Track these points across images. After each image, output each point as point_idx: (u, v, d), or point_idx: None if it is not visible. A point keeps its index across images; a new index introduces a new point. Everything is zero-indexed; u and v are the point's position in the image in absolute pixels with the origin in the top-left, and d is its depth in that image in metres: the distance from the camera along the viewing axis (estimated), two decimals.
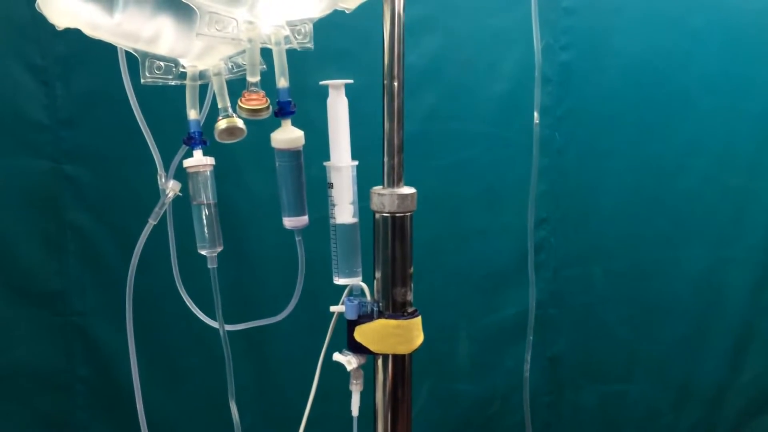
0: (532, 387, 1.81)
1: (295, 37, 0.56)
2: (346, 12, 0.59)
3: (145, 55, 0.53)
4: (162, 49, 0.52)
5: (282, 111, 0.57)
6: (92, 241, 1.58)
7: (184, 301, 0.71)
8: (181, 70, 0.56)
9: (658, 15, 1.75)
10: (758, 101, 1.81)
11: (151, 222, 0.64)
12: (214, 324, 0.65)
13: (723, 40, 1.77)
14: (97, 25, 0.50)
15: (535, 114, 0.80)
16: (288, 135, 0.58)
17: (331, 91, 0.59)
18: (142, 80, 0.54)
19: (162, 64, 0.54)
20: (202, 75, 0.56)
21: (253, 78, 0.55)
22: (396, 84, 0.57)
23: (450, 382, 1.80)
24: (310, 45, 0.57)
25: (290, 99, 0.57)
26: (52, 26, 1.35)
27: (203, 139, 0.58)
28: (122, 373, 1.59)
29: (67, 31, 1.39)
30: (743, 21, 1.76)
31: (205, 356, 1.53)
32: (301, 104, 0.59)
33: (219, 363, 0.70)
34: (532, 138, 1.71)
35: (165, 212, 0.68)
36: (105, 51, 1.35)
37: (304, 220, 0.61)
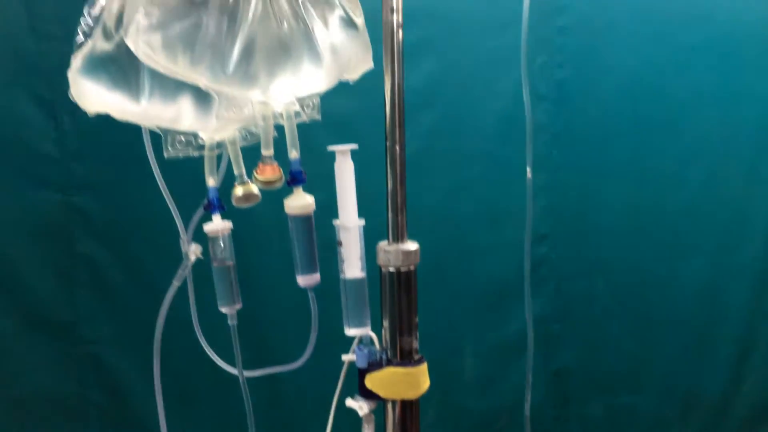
0: (539, 401, 1.86)
1: (304, 110, 0.61)
2: (350, 83, 0.64)
3: (167, 131, 0.58)
4: (183, 126, 0.58)
5: (294, 180, 0.63)
6: (103, 270, 1.64)
7: (201, 346, 0.76)
8: (200, 142, 0.61)
9: (650, 31, 1.80)
10: (752, 112, 1.85)
11: (176, 284, 0.68)
12: (234, 371, 0.69)
13: (715, 54, 1.82)
14: (125, 111, 0.55)
15: (528, 170, 0.83)
16: (300, 202, 0.63)
17: (338, 156, 0.64)
18: (165, 154, 0.59)
19: (183, 138, 0.59)
20: (219, 144, 0.61)
21: (267, 151, 0.60)
22: (398, 148, 0.62)
23: (456, 398, 1.84)
24: (318, 116, 0.62)
25: (301, 169, 0.62)
26: (59, 60, 1.41)
27: (221, 204, 0.63)
28: (135, 398, 1.64)
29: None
30: (734, 34, 1.81)
31: (223, 401, 1.58)
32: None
33: (235, 406, 0.74)
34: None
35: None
36: None
37: (316, 277, 0.66)
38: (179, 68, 0.52)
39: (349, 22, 0.60)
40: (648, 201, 1.87)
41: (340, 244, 0.65)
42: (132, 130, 1.42)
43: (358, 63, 0.62)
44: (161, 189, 0.60)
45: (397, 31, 0.61)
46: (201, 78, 0.53)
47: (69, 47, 1.50)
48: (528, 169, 0.84)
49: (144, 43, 0.51)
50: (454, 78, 1.75)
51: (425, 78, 1.72)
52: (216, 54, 0.52)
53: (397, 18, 0.60)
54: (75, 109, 1.52)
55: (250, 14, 0.51)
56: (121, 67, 0.54)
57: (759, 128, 1.86)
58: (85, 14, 0.56)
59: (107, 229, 1.62)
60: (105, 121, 1.55)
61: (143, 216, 1.52)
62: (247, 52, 0.52)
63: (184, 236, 0.62)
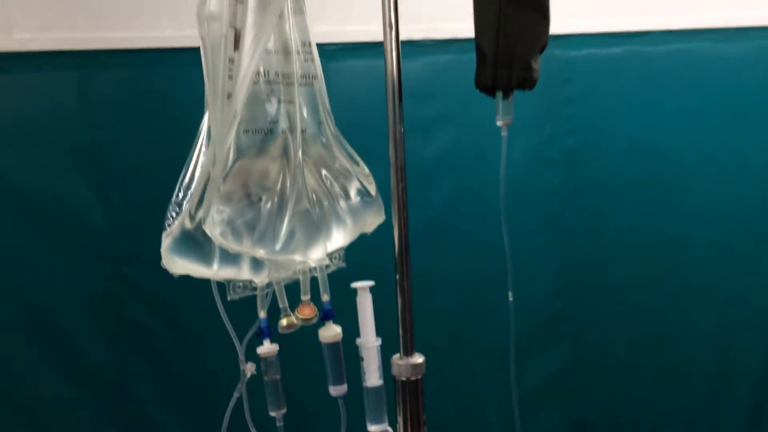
0: None
1: (332, 262, 0.83)
2: (367, 234, 0.86)
3: (229, 281, 0.80)
4: (242, 278, 0.80)
5: (326, 317, 0.85)
6: (149, 335, 1.87)
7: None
8: (253, 284, 0.83)
9: (654, 97, 1.99)
10: (756, 170, 2.03)
11: (236, 395, 0.90)
12: None
13: (718, 116, 2.00)
14: (201, 273, 0.77)
15: (509, 293, 1.03)
16: (330, 332, 0.85)
17: (359, 292, 0.86)
18: (228, 297, 0.82)
19: (241, 283, 0.81)
20: (268, 285, 0.83)
21: (305, 296, 0.82)
22: (405, 284, 0.83)
23: None
24: (343, 264, 0.84)
25: (332, 308, 0.84)
26: (111, 147, 1.65)
27: (270, 331, 0.84)
28: None
29: (123, 150, 1.70)
30: (735, 96, 2.00)
31: None
32: None
33: None
34: (542, 219, 1.97)
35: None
36: (154, 168, 1.65)
37: (344, 388, 0.87)
38: (243, 248, 0.75)
39: (365, 192, 0.83)
40: (659, 257, 2.05)
41: (362, 359, 0.86)
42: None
43: (373, 221, 0.84)
44: (223, 319, 0.81)
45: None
46: (258, 253, 0.75)
47: (118, 133, 1.75)
48: (509, 293, 1.00)
49: (218, 233, 0.73)
50: (468, 148, 1.95)
51: (443, 149, 1.94)
52: (268, 236, 0.74)
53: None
54: (124, 188, 1.78)
55: (291, 203, 0.73)
56: (199, 244, 0.77)
57: (763, 186, 2.02)
58: (172, 202, 0.79)
59: (153, 296, 1.85)
60: (151, 198, 1.79)
61: (185, 283, 1.75)
62: (290, 233, 0.75)
63: (242, 357, 0.84)
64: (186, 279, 1.66)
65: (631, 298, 2.07)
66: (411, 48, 1.86)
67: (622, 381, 2.10)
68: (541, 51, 0.82)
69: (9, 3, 1.76)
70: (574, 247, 2.03)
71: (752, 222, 2.06)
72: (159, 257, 1.84)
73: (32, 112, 1.77)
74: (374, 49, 1.65)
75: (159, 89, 1.82)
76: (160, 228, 1.83)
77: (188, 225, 0.76)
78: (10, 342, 1.78)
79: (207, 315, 1.77)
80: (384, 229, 0.88)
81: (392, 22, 0.83)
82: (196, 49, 1.77)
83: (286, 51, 0.78)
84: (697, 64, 1.99)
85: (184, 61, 1.81)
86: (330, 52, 1.82)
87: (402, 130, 0.87)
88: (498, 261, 2.01)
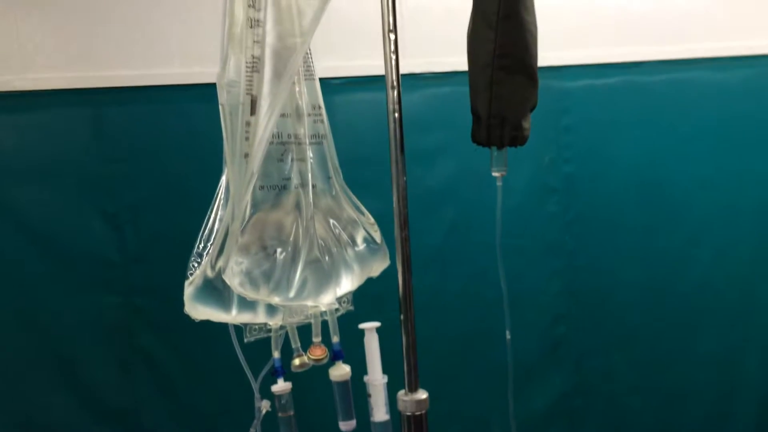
0: None
1: (341, 305, 0.91)
2: (373, 277, 0.94)
3: (246, 324, 0.89)
4: (258, 321, 0.89)
5: (336, 357, 0.93)
6: (160, 363, 1.95)
7: None
8: (268, 327, 0.91)
9: (650, 125, 2.08)
10: (752, 192, 2.12)
11: (252, 431, 0.98)
12: None
13: (714, 143, 2.09)
14: (220, 318, 0.86)
15: (507, 332, 1.11)
16: (340, 371, 0.94)
17: (366, 332, 0.95)
18: (245, 340, 0.90)
19: (257, 326, 0.89)
20: (281, 327, 0.91)
21: (317, 338, 0.91)
22: (409, 324, 0.91)
23: None
24: (352, 307, 0.92)
25: (341, 348, 0.92)
26: (123, 180, 1.74)
27: (283, 370, 0.93)
28: None
29: (135, 183, 1.78)
30: (727, 122, 2.09)
31: None
32: None
33: None
34: (543, 245, 2.05)
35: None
36: (165, 201, 1.74)
37: (353, 423, 0.95)
38: (260, 296, 0.83)
39: (371, 240, 0.92)
40: (659, 280, 2.12)
41: (369, 396, 0.94)
42: (183, 238, 1.76)
43: (379, 267, 0.93)
44: (240, 361, 0.90)
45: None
46: (274, 300, 0.84)
47: (130, 167, 1.83)
48: (507, 332, 1.08)
49: (237, 283, 0.82)
50: (469, 177, 2.04)
51: (445, 178, 2.03)
52: (283, 285, 0.83)
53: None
54: (136, 220, 1.86)
55: (304, 253, 0.82)
56: (219, 292, 0.85)
57: (760, 209, 2.11)
58: (194, 253, 0.88)
59: (164, 327, 1.93)
60: (162, 230, 1.87)
61: None
62: (303, 281, 0.83)
63: (257, 394, 0.92)
64: None
65: (632, 322, 2.14)
66: (412, 81, 1.96)
67: (625, 404, 2.17)
68: (531, 110, 0.91)
69: (25, 44, 1.87)
70: (575, 272, 2.11)
71: (750, 245, 2.14)
72: (170, 288, 1.92)
73: (48, 148, 1.87)
74: (376, 82, 1.75)
75: (169, 124, 1.92)
76: (170, 259, 1.91)
77: (209, 274, 0.85)
78: (23, 370, 1.86)
79: (217, 346, 1.85)
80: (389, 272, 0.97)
81: (393, 57, 0.91)
82: (204, 86, 1.89)
83: (298, 114, 0.87)
84: (692, 92, 2.09)
85: (192, 97, 1.91)
86: (334, 86, 1.92)
87: (403, 160, 0.95)
88: (499, 286, 2.10)
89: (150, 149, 1.91)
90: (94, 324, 1.91)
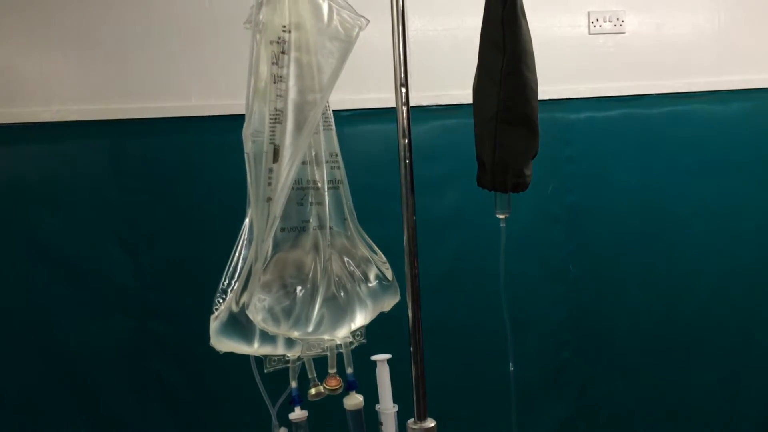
0: None
1: (355, 338, 0.99)
2: (385, 312, 1.02)
3: (266, 356, 0.96)
4: (277, 353, 0.96)
5: (350, 387, 1.00)
6: (172, 387, 2.01)
7: None
8: (287, 358, 0.99)
9: (651, 155, 2.16)
10: (751, 223, 2.19)
11: None
12: None
13: (713, 173, 2.17)
14: (244, 350, 0.93)
15: (510, 363, 1.18)
16: (353, 401, 1.01)
17: (378, 364, 1.02)
18: (265, 370, 0.97)
19: (276, 358, 0.97)
20: (298, 358, 0.99)
21: (332, 370, 0.98)
22: (418, 356, 0.99)
23: None
24: (365, 340, 1.00)
25: (355, 379, 1.00)
26: (139, 208, 1.82)
27: (300, 399, 1.00)
28: None
29: (152, 211, 1.86)
30: (728, 155, 2.17)
31: None
32: None
33: None
34: (547, 272, 2.11)
35: None
36: (180, 229, 1.82)
37: None
38: (280, 331, 0.91)
39: (383, 277, 0.99)
40: (661, 307, 2.19)
41: (381, 423, 1.01)
42: (200, 266, 1.83)
43: (390, 302, 1.01)
44: (261, 390, 0.97)
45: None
46: (293, 334, 0.91)
47: (146, 196, 1.91)
48: (510, 364, 1.15)
49: (260, 319, 0.90)
50: (474, 206, 2.11)
51: (451, 207, 2.10)
52: (302, 321, 0.90)
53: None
54: (151, 247, 1.94)
55: (321, 291, 0.90)
56: (242, 326, 0.93)
57: (759, 237, 2.18)
58: (219, 289, 0.96)
59: (177, 350, 2.00)
60: (176, 257, 1.95)
61: (205, 336, 1.91)
62: (320, 317, 0.91)
63: (275, 421, 0.99)
64: (207, 335, 1.82)
65: (635, 347, 2.20)
66: (419, 113, 2.05)
67: (629, 429, 2.22)
68: (532, 158, 0.99)
69: (49, 77, 1.97)
70: (579, 298, 2.18)
71: (749, 272, 2.20)
72: (183, 314, 2.02)
73: (68, 177, 1.96)
74: (385, 114, 1.84)
75: (184, 155, 2.02)
76: (184, 285, 2.01)
77: (234, 309, 0.93)
78: (38, 390, 1.93)
79: (228, 371, 1.92)
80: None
81: (403, 90, 0.99)
82: (219, 117, 1.98)
83: (317, 161, 0.95)
84: (692, 124, 2.18)
85: (207, 128, 2.01)
86: (345, 117, 2.01)
87: (413, 200, 1.03)
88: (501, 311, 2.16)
89: (166, 179, 2.00)
90: (109, 347, 1.99)
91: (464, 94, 2.10)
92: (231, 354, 0.99)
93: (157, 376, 2.00)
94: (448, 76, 2.05)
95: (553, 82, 2.12)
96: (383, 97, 2.04)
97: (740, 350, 2.21)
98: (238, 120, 1.97)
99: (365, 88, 2.03)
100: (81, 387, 1.97)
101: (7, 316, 1.90)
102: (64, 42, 1.97)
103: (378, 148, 2.03)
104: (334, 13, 0.92)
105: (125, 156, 1.99)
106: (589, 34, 2.17)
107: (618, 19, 2.17)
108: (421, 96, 2.06)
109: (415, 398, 0.99)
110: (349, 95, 2.04)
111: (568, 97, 2.14)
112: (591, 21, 2.16)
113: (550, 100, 2.11)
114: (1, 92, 1.94)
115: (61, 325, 1.95)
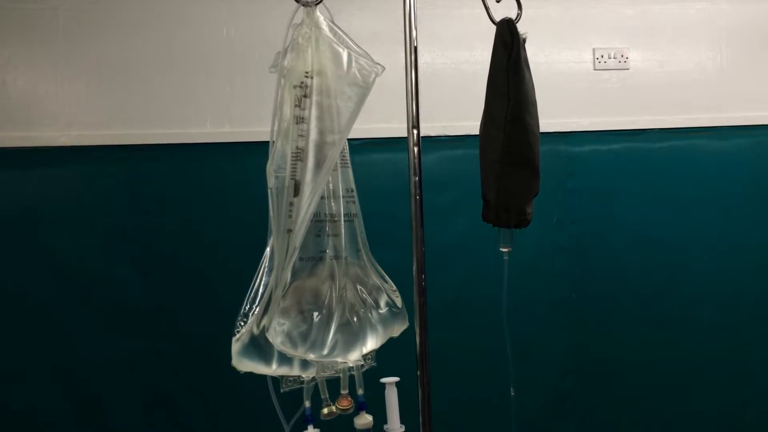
0: None
1: (366, 362, 1.08)
2: (394, 337, 1.11)
3: (283, 376, 1.05)
4: (293, 374, 1.05)
5: (360, 407, 1.09)
6: (181, 407, 2.09)
7: None
8: (302, 379, 1.08)
9: (653, 189, 2.26)
10: (752, 256, 2.27)
11: None
12: None
13: (714, 207, 2.27)
14: (263, 371, 1.03)
15: (511, 389, 1.26)
16: (364, 420, 1.09)
17: (386, 386, 1.11)
18: (281, 390, 1.06)
19: (291, 378, 1.06)
20: (312, 379, 1.08)
21: (344, 391, 1.07)
22: (425, 379, 1.08)
23: None
24: (375, 363, 1.09)
25: (365, 400, 1.08)
26: (154, 233, 1.92)
27: (313, 418, 1.09)
28: None
29: (164, 234, 1.96)
30: (730, 189, 2.27)
31: None
32: None
33: None
34: (550, 301, 2.20)
35: None
36: (193, 252, 1.91)
37: None
38: (297, 353, 1.00)
39: (393, 304, 1.09)
40: (663, 339, 2.27)
41: None
42: (210, 289, 1.93)
43: (399, 328, 1.10)
44: (276, 409, 1.05)
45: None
46: (309, 357, 1.01)
47: (160, 219, 2.01)
48: (511, 389, 1.24)
49: (279, 342, 0.99)
50: (480, 233, 2.20)
51: (456, 234, 2.19)
52: (318, 344, 1.00)
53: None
54: (164, 270, 2.03)
55: (336, 317, 0.99)
56: (262, 348, 1.02)
57: (759, 270, 2.26)
58: (240, 313, 1.06)
59: (186, 371, 2.08)
60: (188, 280, 2.04)
61: (216, 358, 1.99)
62: (334, 342, 1.00)
63: None
64: (217, 356, 1.90)
65: (638, 379, 2.27)
66: (428, 143, 2.15)
67: None
68: (534, 197, 1.09)
69: (69, 103, 2.09)
70: (581, 328, 2.26)
71: (750, 305, 2.28)
72: (192, 334, 2.11)
73: (86, 200, 2.07)
74: (394, 143, 1.94)
75: (198, 180, 2.12)
76: (195, 308, 2.10)
77: (255, 331, 1.02)
78: (48, 408, 2.01)
79: (237, 392, 2.00)
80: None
81: (414, 131, 1.09)
82: (232, 144, 2.08)
83: (334, 196, 1.06)
84: (693, 159, 2.28)
85: (221, 155, 2.12)
86: (355, 146, 2.10)
87: (422, 232, 1.13)
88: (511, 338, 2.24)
89: (179, 203, 2.10)
90: (120, 367, 2.07)
91: (471, 126, 2.22)
92: (240, 376, 1.08)
93: (167, 396, 2.08)
94: (456, 107, 2.16)
95: (559, 115, 2.23)
96: (392, 127, 2.15)
97: (741, 382, 2.28)
98: (249, 146, 2.08)
99: (375, 117, 2.14)
100: (91, 406, 2.05)
101: (21, 333, 1.99)
102: (84, 70, 2.09)
103: (385, 175, 2.13)
104: (353, 61, 1.03)
105: (140, 180, 2.10)
106: (594, 69, 2.28)
107: (622, 56, 2.29)
108: (429, 126, 2.16)
109: (421, 420, 1.07)
110: (359, 124, 2.14)
111: (573, 130, 2.24)
112: (596, 57, 2.28)
113: (555, 132, 2.21)
114: (22, 117, 2.06)
115: (73, 344, 2.04)
